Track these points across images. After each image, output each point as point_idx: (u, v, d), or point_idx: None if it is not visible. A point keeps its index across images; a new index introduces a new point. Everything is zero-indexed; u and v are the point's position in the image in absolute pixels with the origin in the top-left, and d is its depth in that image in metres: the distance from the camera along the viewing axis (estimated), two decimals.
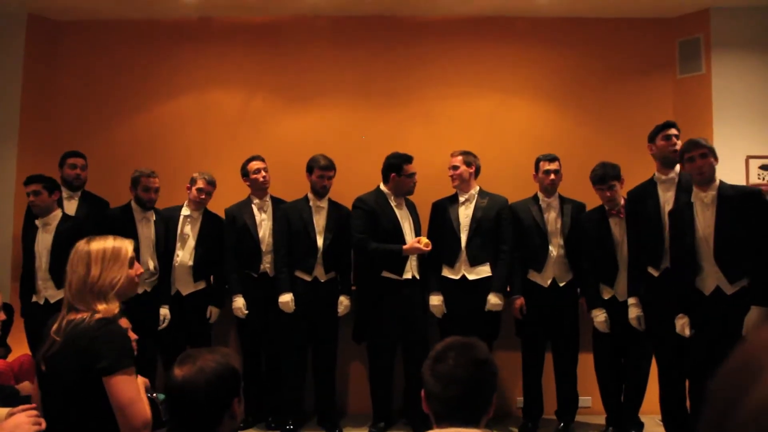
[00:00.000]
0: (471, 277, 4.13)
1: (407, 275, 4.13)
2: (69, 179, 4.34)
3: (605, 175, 3.89)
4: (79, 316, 1.98)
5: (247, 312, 4.19)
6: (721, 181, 3.33)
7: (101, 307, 1.97)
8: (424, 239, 4.04)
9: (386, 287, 4.11)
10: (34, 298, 4.01)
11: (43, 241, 3.99)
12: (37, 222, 4.01)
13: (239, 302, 4.19)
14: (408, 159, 4.18)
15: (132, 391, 1.92)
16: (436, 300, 4.15)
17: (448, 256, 4.17)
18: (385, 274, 4.13)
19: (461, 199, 4.22)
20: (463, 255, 4.12)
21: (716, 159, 3.33)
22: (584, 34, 4.99)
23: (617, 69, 4.97)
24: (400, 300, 4.10)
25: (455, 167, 4.20)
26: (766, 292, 3.12)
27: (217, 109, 5.04)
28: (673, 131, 3.71)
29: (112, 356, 1.91)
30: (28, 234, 4.08)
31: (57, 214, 4.04)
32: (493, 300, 4.07)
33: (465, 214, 4.18)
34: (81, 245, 2.05)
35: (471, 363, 1.52)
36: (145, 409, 1.93)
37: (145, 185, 4.13)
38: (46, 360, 1.99)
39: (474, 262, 4.12)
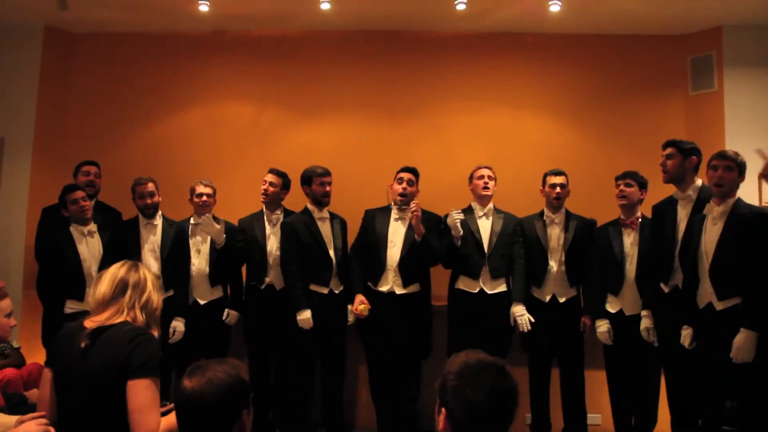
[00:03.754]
0: (489, 291, 4.11)
1: (383, 288, 4.12)
2: (82, 187, 4.36)
3: (628, 173, 3.95)
4: (110, 321, 2.10)
5: (232, 322, 4.24)
6: (738, 199, 3.31)
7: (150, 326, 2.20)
8: (362, 306, 4.02)
9: (369, 296, 4.11)
10: (73, 307, 3.87)
11: (91, 248, 3.98)
12: (78, 230, 3.96)
13: (233, 313, 4.26)
14: (404, 170, 4.19)
15: (148, 398, 1.97)
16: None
17: (469, 268, 4.13)
18: (369, 283, 4.17)
19: (479, 212, 4.21)
20: (486, 267, 4.11)
21: (742, 176, 3.31)
22: (596, 51, 5.00)
23: (629, 85, 4.96)
24: (381, 312, 4.07)
25: (490, 177, 4.20)
26: (756, 316, 3.07)
27: (228, 121, 5.08)
28: (665, 151, 3.68)
29: (142, 360, 2.00)
30: (64, 242, 3.94)
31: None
32: (519, 310, 4.01)
33: (484, 227, 4.17)
34: (145, 271, 2.27)
35: (508, 393, 1.50)
36: (154, 420, 1.94)
37: (140, 192, 4.18)
38: (74, 364, 2.04)
39: (495, 275, 4.11)
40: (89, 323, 2.13)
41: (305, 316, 4.04)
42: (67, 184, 4.12)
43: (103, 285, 2.20)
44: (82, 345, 2.05)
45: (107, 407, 2.01)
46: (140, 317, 2.16)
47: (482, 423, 1.47)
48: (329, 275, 4.15)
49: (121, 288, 2.18)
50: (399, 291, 4.11)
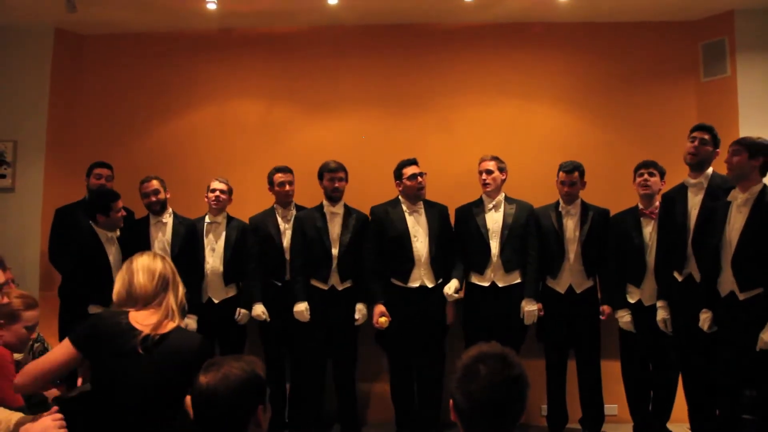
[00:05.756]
0: (501, 284, 4.10)
1: (414, 284, 4.10)
2: (93, 189, 4.38)
3: (649, 162, 3.93)
4: (164, 329, 2.08)
5: (267, 319, 4.17)
6: (765, 186, 3.23)
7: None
8: (382, 318, 4.00)
9: (395, 293, 4.10)
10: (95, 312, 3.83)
11: (115, 253, 4.01)
12: (104, 234, 3.97)
13: (259, 309, 4.16)
14: (406, 162, 4.17)
15: None
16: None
17: (476, 263, 4.13)
18: (393, 280, 4.14)
19: (488, 205, 4.17)
20: (497, 262, 4.08)
21: (756, 159, 3.20)
22: (606, 39, 4.95)
23: (640, 73, 4.91)
24: (408, 307, 4.07)
25: (489, 171, 4.14)
26: None
27: (238, 118, 5.10)
28: (695, 134, 3.61)
29: None
30: (92, 246, 3.94)
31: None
32: (528, 307, 4.03)
33: (493, 219, 4.14)
34: (169, 261, 2.25)
35: (505, 382, 1.44)
36: None
37: (143, 191, 4.21)
38: (128, 365, 2.01)
39: (507, 269, 4.09)
40: (141, 326, 2.05)
41: (300, 308, 4.07)
42: (108, 190, 4.12)
43: (140, 276, 2.13)
44: (140, 351, 2.00)
45: (165, 408, 2.03)
46: (179, 318, 2.14)
47: (486, 412, 1.44)
48: (327, 271, 4.14)
49: (162, 285, 2.15)
50: (431, 285, 4.12)
